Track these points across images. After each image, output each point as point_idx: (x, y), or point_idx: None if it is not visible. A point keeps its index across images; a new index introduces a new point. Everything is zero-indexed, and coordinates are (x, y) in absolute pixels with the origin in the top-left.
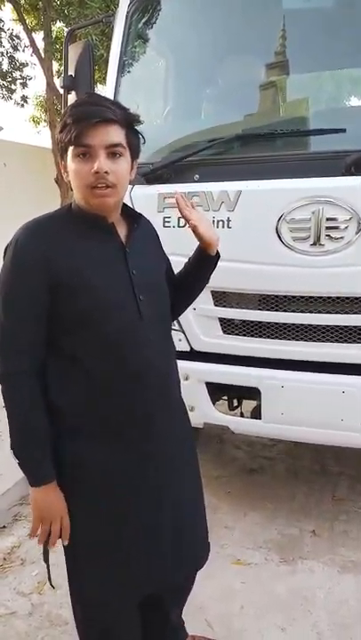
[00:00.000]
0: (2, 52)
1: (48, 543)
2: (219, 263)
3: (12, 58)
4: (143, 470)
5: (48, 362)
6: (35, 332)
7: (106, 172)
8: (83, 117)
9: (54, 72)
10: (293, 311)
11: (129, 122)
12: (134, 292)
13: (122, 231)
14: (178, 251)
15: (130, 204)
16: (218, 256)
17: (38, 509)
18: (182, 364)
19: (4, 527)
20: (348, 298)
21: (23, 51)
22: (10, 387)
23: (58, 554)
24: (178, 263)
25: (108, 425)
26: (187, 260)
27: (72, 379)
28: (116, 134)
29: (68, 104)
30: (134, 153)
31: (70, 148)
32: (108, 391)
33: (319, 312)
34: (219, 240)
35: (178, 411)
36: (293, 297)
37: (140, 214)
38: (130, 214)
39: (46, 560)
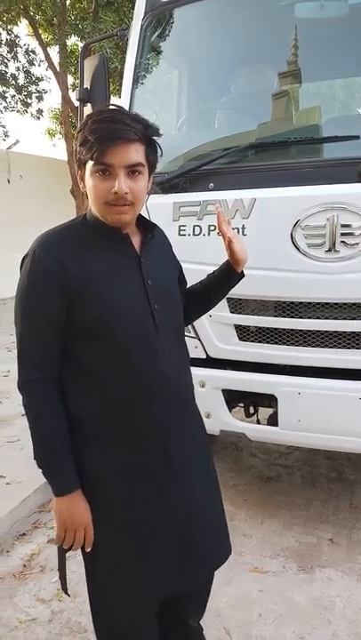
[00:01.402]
0: (18, 67)
1: (66, 551)
2: None
3: (27, 72)
4: (161, 477)
5: (64, 371)
6: (51, 341)
7: (126, 192)
8: (105, 137)
9: (69, 85)
10: (309, 317)
11: (149, 137)
12: (149, 302)
13: (136, 241)
14: (192, 259)
15: (145, 214)
16: (243, 275)
17: (62, 519)
18: (198, 372)
19: (24, 534)
20: None
21: (39, 65)
22: (28, 395)
23: (78, 562)
24: (192, 271)
25: (124, 434)
26: (211, 272)
27: (88, 388)
28: (136, 154)
29: (85, 115)
30: (152, 168)
31: (90, 163)
32: (123, 401)
33: (335, 318)
34: (247, 260)
35: (193, 418)
36: (309, 303)
37: (155, 224)
38: (144, 224)
39: (61, 569)
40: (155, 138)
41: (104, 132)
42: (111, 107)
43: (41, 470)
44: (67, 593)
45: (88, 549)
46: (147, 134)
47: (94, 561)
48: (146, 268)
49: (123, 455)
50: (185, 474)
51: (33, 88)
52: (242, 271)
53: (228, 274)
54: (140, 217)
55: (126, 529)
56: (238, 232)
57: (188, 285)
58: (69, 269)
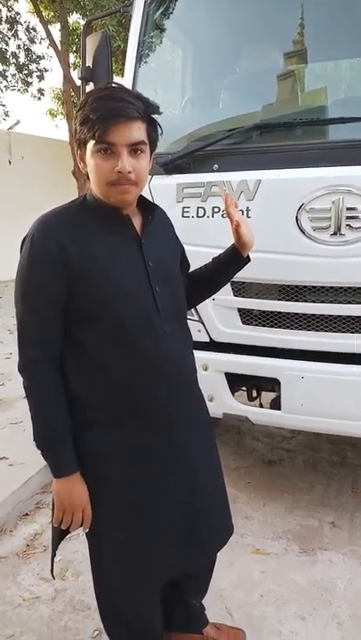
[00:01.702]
0: (18, 45)
1: (65, 534)
2: None
3: (28, 50)
4: (163, 459)
5: (66, 353)
6: (52, 322)
7: (129, 172)
8: (107, 115)
9: (71, 64)
10: (313, 301)
11: (150, 115)
12: (150, 284)
13: (137, 222)
14: (195, 241)
15: (149, 194)
16: (248, 259)
17: (60, 500)
18: (201, 355)
19: (27, 515)
20: None
21: (40, 43)
22: (29, 377)
23: (82, 541)
24: (195, 253)
25: (127, 415)
26: (216, 256)
27: (90, 370)
28: (138, 132)
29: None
30: (153, 146)
31: (91, 143)
32: (125, 382)
33: (339, 302)
34: (253, 244)
35: (195, 400)
36: (313, 287)
37: (156, 205)
38: (145, 205)
39: (54, 550)
40: (155, 116)
41: (105, 110)
42: (112, 84)
43: (40, 451)
44: (52, 575)
45: (85, 530)
46: (148, 112)
47: (98, 543)
48: (147, 250)
49: (125, 437)
50: (188, 456)
51: (34, 67)
52: (248, 255)
53: (234, 258)
54: (141, 197)
55: (129, 511)
56: (243, 214)
57: (191, 267)
58: (69, 251)
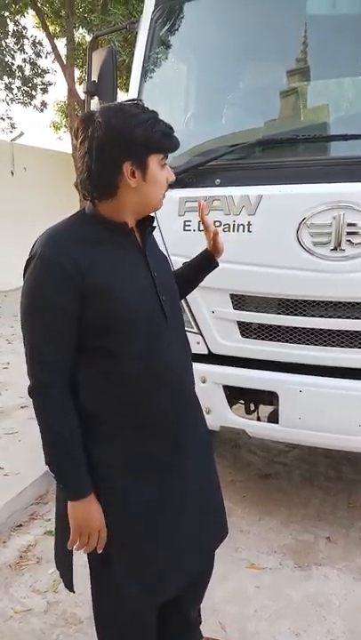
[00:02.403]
0: (24, 59)
1: (71, 552)
2: (239, 267)
3: (34, 64)
4: (166, 466)
5: (78, 368)
6: (65, 341)
7: None
8: (167, 130)
9: (76, 78)
10: (312, 316)
11: None
12: (158, 294)
13: (137, 234)
14: (196, 254)
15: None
16: (217, 264)
17: (77, 523)
18: (200, 367)
19: (21, 525)
20: None
21: (46, 57)
22: (42, 401)
23: (74, 555)
24: None
25: (132, 424)
26: (186, 262)
27: (98, 383)
28: None
29: (91, 108)
30: None
31: (156, 156)
32: (134, 392)
33: (338, 317)
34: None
35: (195, 409)
36: (313, 301)
37: (152, 217)
38: (143, 218)
39: (66, 567)
40: None
41: (163, 125)
42: (137, 101)
43: (54, 475)
44: (72, 590)
45: (100, 551)
46: None
47: (104, 559)
48: (151, 261)
49: (129, 445)
50: (190, 462)
51: (38, 80)
52: (217, 261)
53: (209, 264)
54: None
55: (134, 520)
56: (244, 228)
57: None
58: (80, 265)
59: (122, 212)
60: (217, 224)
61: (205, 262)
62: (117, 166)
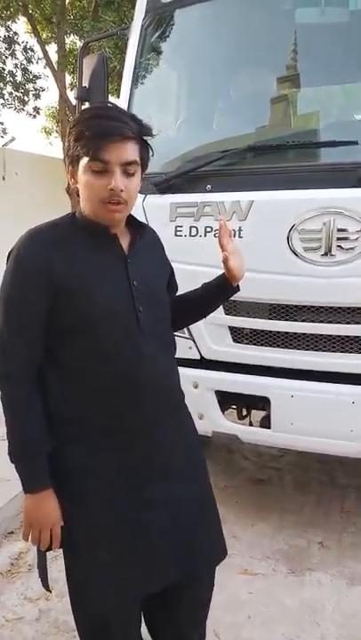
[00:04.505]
0: (16, 64)
1: (46, 550)
2: None
3: (25, 70)
4: (142, 477)
5: (47, 370)
6: (33, 337)
7: (121, 190)
8: (102, 133)
9: (67, 84)
10: (304, 321)
11: (143, 137)
12: (134, 303)
13: (125, 241)
14: (188, 260)
15: (142, 213)
16: (238, 289)
17: (28, 516)
18: (192, 372)
19: (12, 533)
20: (358, 308)
21: (37, 63)
22: (6, 391)
23: (63, 563)
24: (187, 272)
25: (106, 435)
26: (204, 283)
27: (70, 388)
28: (132, 151)
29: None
30: (144, 167)
31: (84, 160)
32: (104, 401)
33: (330, 322)
34: (243, 276)
35: (179, 422)
36: (304, 307)
37: (145, 225)
38: (135, 224)
39: (40, 566)
40: (147, 138)
41: (102, 128)
42: (107, 103)
43: (14, 466)
44: (48, 589)
45: (55, 548)
46: (141, 133)
47: (75, 561)
48: (132, 269)
49: (104, 454)
50: (167, 476)
51: (30, 86)
52: (237, 285)
53: (224, 287)
54: (131, 217)
55: (107, 526)
56: (235, 234)
57: (184, 286)
58: (54, 267)
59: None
60: (208, 229)
61: (222, 285)
62: (68, 170)
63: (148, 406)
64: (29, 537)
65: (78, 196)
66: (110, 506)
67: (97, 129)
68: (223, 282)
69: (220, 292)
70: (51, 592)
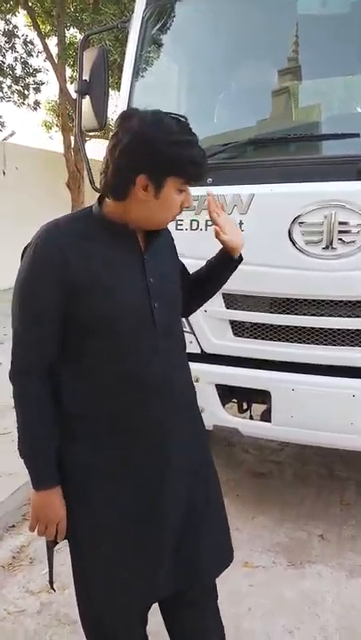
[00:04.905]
0: (16, 58)
1: (54, 545)
2: None
3: (25, 63)
4: (149, 476)
5: (61, 365)
6: (48, 332)
7: None
8: (203, 161)
9: (67, 78)
10: (305, 314)
11: None
12: (150, 300)
13: (141, 238)
14: (189, 253)
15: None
16: (241, 259)
17: (36, 512)
18: (193, 366)
19: (14, 526)
20: (359, 301)
21: (37, 56)
22: (19, 386)
23: (68, 554)
24: (190, 266)
25: (113, 433)
26: (208, 260)
27: (83, 383)
28: None
29: (82, 107)
30: None
31: (174, 179)
32: (117, 398)
33: (330, 315)
34: (243, 245)
35: (190, 420)
36: (305, 300)
37: None
38: None
39: (49, 562)
40: None
41: (196, 152)
42: (182, 118)
43: (23, 462)
44: (52, 587)
45: (59, 541)
46: None
47: (80, 554)
48: (149, 266)
49: (112, 452)
50: (178, 476)
51: (30, 79)
52: (240, 255)
53: (225, 260)
54: None
55: (114, 524)
56: None
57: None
58: (72, 262)
59: (126, 217)
60: (209, 223)
61: (223, 258)
62: (132, 175)
63: (156, 407)
64: (35, 530)
65: (117, 198)
66: (115, 505)
67: (199, 157)
68: (225, 255)
69: (223, 266)
70: (55, 590)
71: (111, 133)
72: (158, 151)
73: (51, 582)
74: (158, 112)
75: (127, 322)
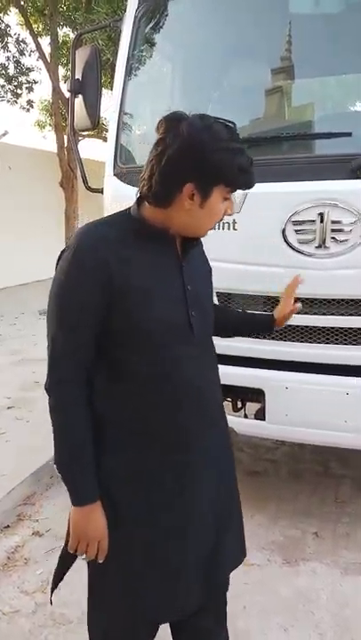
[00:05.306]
0: (8, 57)
1: (72, 561)
2: (225, 265)
3: (18, 62)
4: (181, 485)
5: (97, 373)
6: (86, 340)
7: None
8: (250, 169)
9: (60, 77)
10: (298, 313)
11: None
12: (187, 308)
13: (178, 243)
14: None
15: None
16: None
17: (76, 530)
18: None
19: (8, 527)
20: (352, 300)
21: (29, 55)
22: (58, 397)
23: (55, 556)
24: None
25: (150, 439)
26: (245, 311)
27: (119, 391)
28: None
29: (74, 107)
30: None
31: (223, 188)
32: (152, 404)
33: (323, 314)
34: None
35: (220, 429)
36: (298, 299)
37: None
38: None
39: (57, 575)
40: (144, 129)
41: (244, 160)
42: (229, 124)
43: (61, 476)
44: (51, 601)
45: (100, 561)
46: None
47: (103, 570)
48: (186, 273)
49: (145, 460)
50: (207, 487)
51: (23, 79)
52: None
53: (267, 325)
54: None
55: (143, 537)
56: (229, 226)
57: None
58: (111, 268)
59: (167, 223)
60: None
61: (266, 323)
62: (179, 183)
63: (192, 411)
64: (77, 550)
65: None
66: (145, 514)
67: (248, 165)
68: (269, 323)
69: (260, 328)
70: (52, 604)
71: (157, 138)
72: (207, 159)
73: (53, 590)
74: (206, 117)
75: (164, 328)
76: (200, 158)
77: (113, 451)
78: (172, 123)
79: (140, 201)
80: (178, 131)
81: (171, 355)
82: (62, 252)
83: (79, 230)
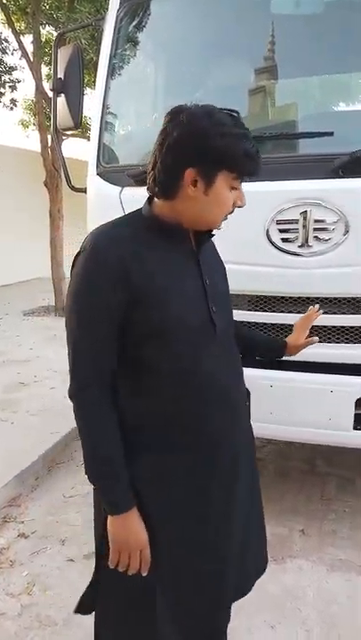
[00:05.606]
0: None
1: (98, 579)
2: None
3: (0, 61)
4: (209, 492)
5: (119, 373)
6: (108, 342)
7: None
8: (257, 155)
9: (43, 76)
10: (282, 311)
11: None
12: (207, 303)
13: (193, 239)
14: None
15: (119, 205)
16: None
17: (117, 541)
18: None
19: None
20: (335, 298)
21: (12, 54)
22: (83, 403)
23: (48, 556)
24: None
25: (174, 440)
26: (264, 335)
27: (143, 390)
28: None
29: (57, 106)
30: None
31: (226, 174)
32: (176, 405)
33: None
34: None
35: (245, 431)
36: (282, 297)
37: None
38: None
39: (91, 590)
40: (129, 128)
41: (249, 145)
42: (234, 113)
43: (94, 487)
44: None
45: (144, 574)
46: None
47: (143, 587)
48: (204, 267)
49: (171, 463)
50: (235, 486)
51: (6, 77)
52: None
53: (279, 351)
54: None
55: (178, 540)
56: None
57: None
58: (129, 266)
59: (178, 217)
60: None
61: (278, 349)
62: (180, 170)
63: (219, 411)
64: (119, 564)
65: (160, 197)
66: (170, 520)
67: (253, 150)
68: (282, 348)
69: (273, 353)
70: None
71: (160, 129)
72: (209, 143)
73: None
74: (209, 106)
75: (186, 326)
76: (201, 143)
77: (140, 454)
78: (173, 114)
79: (150, 200)
80: (178, 119)
81: (192, 354)
82: (77, 255)
83: (93, 231)
